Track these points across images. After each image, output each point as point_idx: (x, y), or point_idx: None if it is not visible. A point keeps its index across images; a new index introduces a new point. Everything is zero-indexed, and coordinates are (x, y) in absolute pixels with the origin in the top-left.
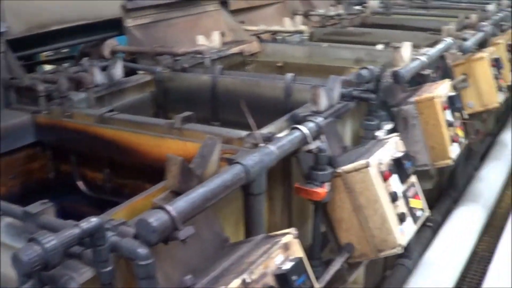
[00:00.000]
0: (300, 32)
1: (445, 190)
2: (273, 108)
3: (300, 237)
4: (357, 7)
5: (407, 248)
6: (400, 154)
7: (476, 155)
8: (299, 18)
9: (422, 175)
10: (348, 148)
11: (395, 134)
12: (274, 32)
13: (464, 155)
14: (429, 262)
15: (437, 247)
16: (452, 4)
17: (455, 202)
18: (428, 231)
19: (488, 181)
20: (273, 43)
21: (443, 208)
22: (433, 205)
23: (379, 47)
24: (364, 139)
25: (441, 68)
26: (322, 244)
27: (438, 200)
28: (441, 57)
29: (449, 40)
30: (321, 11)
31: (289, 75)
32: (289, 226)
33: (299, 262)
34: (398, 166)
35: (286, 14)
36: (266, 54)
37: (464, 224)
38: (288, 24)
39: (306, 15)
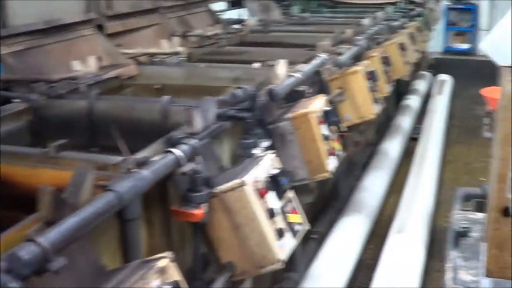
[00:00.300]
0: (177, 54)
1: (329, 201)
2: (150, 132)
3: (182, 259)
4: (236, 26)
5: (292, 262)
6: (276, 171)
7: (358, 165)
8: (176, 39)
9: (302, 189)
10: (225, 168)
11: (271, 151)
12: (152, 55)
13: (346, 166)
14: (315, 274)
15: (323, 258)
16: (329, 20)
17: (339, 213)
18: (313, 244)
19: (371, 191)
20: (151, 65)
21: (327, 219)
22: (318, 217)
23: (256, 65)
24: (242, 158)
25: (317, 84)
26: (204, 265)
27: (322, 211)
28: (317, 73)
29: (323, 55)
30: (198, 31)
31: (165, 98)
32: (170, 249)
33: (176, 286)
34: (274, 183)
35: (164, 35)
36: (144, 77)
37: (348, 234)
38: (165, 46)
39: (184, 36)
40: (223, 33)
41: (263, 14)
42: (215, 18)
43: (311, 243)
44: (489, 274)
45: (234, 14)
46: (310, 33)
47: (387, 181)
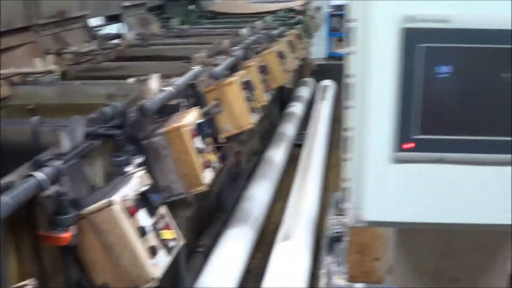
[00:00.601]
0: (51, 72)
1: (214, 213)
2: (22, 155)
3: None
4: (114, 41)
5: (178, 277)
6: (145, 188)
7: (243, 175)
8: (50, 58)
9: (181, 204)
10: (96, 187)
11: (143, 167)
12: (25, 74)
13: (230, 177)
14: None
15: (210, 271)
16: (208, 31)
17: (225, 224)
18: (200, 257)
19: (256, 200)
20: (24, 85)
21: (213, 231)
22: (204, 230)
23: (130, 80)
24: (115, 176)
25: (193, 96)
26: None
27: (208, 224)
28: (192, 85)
29: (197, 68)
30: (74, 48)
31: (34, 119)
32: (42, 275)
33: None
34: (145, 200)
35: (38, 54)
36: (18, 98)
37: (234, 245)
38: (39, 65)
39: (58, 54)
40: (99, 49)
41: (141, 27)
42: (92, 34)
43: (197, 256)
44: (352, 279)
45: (112, 29)
46: (189, 45)
47: (272, 189)
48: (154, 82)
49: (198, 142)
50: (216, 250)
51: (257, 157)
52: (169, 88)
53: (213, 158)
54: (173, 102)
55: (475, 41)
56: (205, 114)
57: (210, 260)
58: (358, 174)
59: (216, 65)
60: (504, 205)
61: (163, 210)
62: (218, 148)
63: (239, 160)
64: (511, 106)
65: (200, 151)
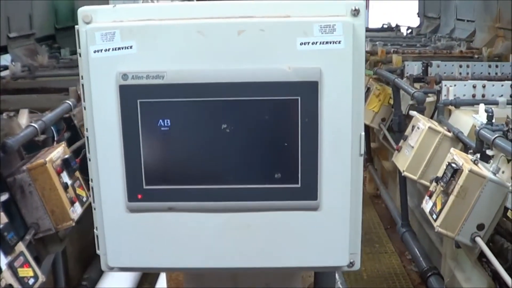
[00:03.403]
0: None
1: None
2: None
3: None
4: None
5: None
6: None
7: None
8: None
9: (52, 239)
10: None
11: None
12: None
13: None
14: None
15: None
16: None
17: None
18: None
19: None
20: None
21: (98, 265)
22: (89, 263)
23: (4, 115)
24: None
25: (67, 130)
26: None
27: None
28: (67, 119)
29: (70, 101)
30: None
31: None
32: None
33: None
34: (1, 240)
35: None
36: None
37: (120, 277)
38: None
39: None
40: None
41: (29, 59)
42: None
43: None
44: None
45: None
46: (76, 76)
47: None
48: (22, 117)
49: (65, 178)
50: (100, 283)
51: None
52: (36, 124)
53: (82, 192)
54: (40, 138)
55: (188, 95)
56: (80, 148)
57: None
58: (101, 223)
59: None
60: (234, 249)
61: (21, 247)
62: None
63: None
64: (230, 155)
65: (66, 187)
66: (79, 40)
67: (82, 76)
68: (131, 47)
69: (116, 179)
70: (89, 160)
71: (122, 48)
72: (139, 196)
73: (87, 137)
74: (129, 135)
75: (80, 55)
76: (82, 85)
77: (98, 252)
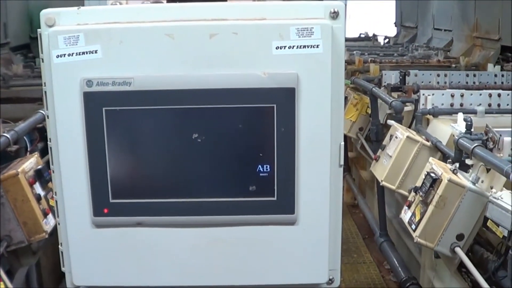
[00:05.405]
0: None
1: None
2: None
3: None
4: None
5: None
6: None
7: None
8: None
9: (25, 252)
10: None
11: None
12: None
13: None
14: None
15: None
16: None
17: None
18: None
19: None
20: None
21: None
22: None
23: None
24: None
25: (40, 140)
26: None
27: None
28: (40, 129)
29: (43, 110)
30: None
31: None
32: None
33: None
34: None
35: None
36: None
37: None
38: None
39: None
40: None
41: (4, 68)
42: None
43: None
44: None
45: None
46: None
47: None
48: None
49: (38, 189)
50: None
51: None
52: (8, 134)
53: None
54: (12, 148)
55: (157, 102)
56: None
57: None
58: (66, 239)
59: None
60: (207, 266)
61: None
62: None
63: None
64: (202, 166)
65: (39, 198)
66: (41, 44)
67: (44, 83)
68: (96, 51)
69: (80, 192)
70: (53, 172)
71: (87, 53)
72: (105, 211)
73: (50, 148)
74: (94, 145)
75: (42, 61)
76: (45, 92)
77: (63, 269)
